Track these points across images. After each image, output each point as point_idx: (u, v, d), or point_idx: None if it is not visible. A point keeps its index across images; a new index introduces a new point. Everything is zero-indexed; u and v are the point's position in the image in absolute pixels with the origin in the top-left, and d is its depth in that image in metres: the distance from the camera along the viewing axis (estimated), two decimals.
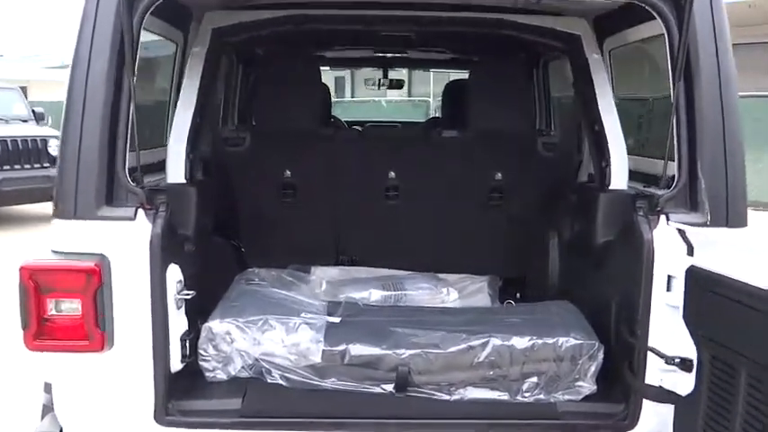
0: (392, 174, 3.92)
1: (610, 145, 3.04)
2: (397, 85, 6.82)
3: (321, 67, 4.48)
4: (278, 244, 4.00)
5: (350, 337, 2.72)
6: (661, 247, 2.51)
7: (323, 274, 3.68)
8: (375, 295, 3.47)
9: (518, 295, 3.99)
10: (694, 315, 2.34)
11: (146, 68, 2.94)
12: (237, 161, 3.89)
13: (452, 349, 2.67)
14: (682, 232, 2.44)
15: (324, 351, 2.67)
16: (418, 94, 21.70)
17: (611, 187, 3.01)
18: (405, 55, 5.17)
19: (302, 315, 2.80)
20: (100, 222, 2.48)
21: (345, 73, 20.83)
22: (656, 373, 2.53)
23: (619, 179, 3.02)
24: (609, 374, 2.71)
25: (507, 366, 2.67)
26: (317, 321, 2.79)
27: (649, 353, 2.54)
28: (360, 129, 4.68)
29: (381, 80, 6.39)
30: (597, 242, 3.02)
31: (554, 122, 4.45)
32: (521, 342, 2.68)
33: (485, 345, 2.68)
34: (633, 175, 3.05)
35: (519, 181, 3.88)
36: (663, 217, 2.56)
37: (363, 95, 20.40)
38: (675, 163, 2.63)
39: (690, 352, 2.36)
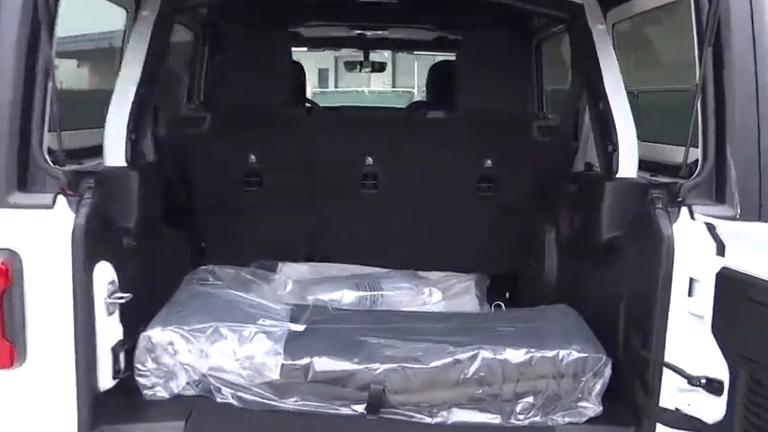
0: (370, 160, 3.50)
1: (618, 126, 2.66)
2: (379, 68, 6.50)
3: (299, 48, 4.06)
4: (242, 238, 3.59)
5: (315, 348, 2.31)
6: (683, 245, 2.13)
7: (290, 273, 3.26)
8: (348, 297, 3.07)
9: (507, 296, 3.62)
10: (727, 327, 1.95)
11: (94, 41, 2.56)
12: (196, 144, 3.46)
13: (435, 364, 2.27)
14: (711, 227, 2.05)
15: (283, 365, 2.26)
16: (402, 84, 21.33)
17: (618, 175, 2.64)
18: (386, 33, 4.75)
19: (260, 322, 2.39)
20: (9, 211, 2.07)
21: (329, 65, 20.52)
22: (674, 394, 2.15)
23: (628, 166, 2.65)
24: (616, 393, 2.33)
25: (499, 384, 2.28)
26: (277, 330, 2.37)
27: (666, 370, 2.16)
28: (334, 110, 4.23)
29: (363, 63, 6.07)
30: (602, 238, 2.64)
31: (548, 105, 4.04)
32: (515, 355, 2.28)
33: (473, 358, 2.28)
34: (641, 164, 2.68)
35: (511, 169, 3.48)
36: (685, 209, 2.17)
37: (346, 86, 20.00)
38: (699, 148, 2.25)
39: (719, 371, 1.97)
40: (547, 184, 3.35)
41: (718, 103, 2.20)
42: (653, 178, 2.67)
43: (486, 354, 2.28)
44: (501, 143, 3.46)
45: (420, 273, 3.42)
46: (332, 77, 22.49)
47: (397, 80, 21.48)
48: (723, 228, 1.99)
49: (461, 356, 2.28)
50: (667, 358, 2.17)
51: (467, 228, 3.59)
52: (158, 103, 3.11)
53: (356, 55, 6.31)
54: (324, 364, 2.26)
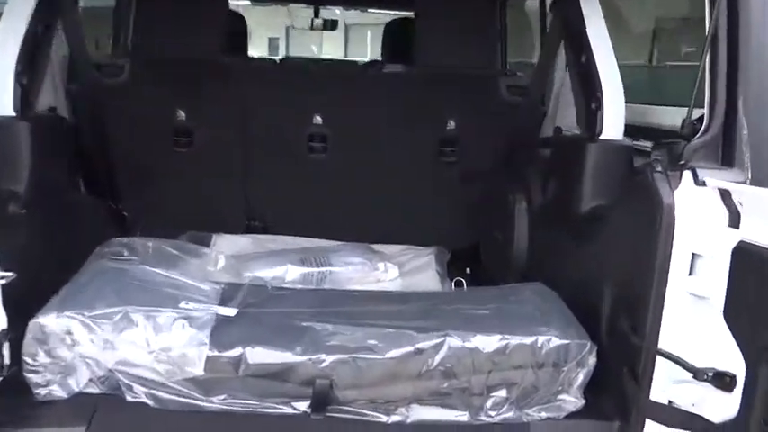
0: (318, 118, 3.08)
1: (603, 80, 2.34)
2: (330, 25, 6.07)
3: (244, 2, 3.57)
4: (170, 206, 3.14)
5: (249, 336, 1.92)
6: (686, 215, 1.81)
7: (225, 246, 2.84)
8: (291, 273, 2.67)
9: (468, 271, 3.29)
10: (745, 312, 1.64)
11: None
12: (115, 96, 2.97)
13: (393, 353, 1.91)
14: (725, 194, 1.72)
15: (209, 358, 1.86)
16: (355, 54, 20.78)
17: (602, 137, 2.32)
18: None
19: (182, 306, 1.97)
20: None
21: (280, 34, 19.86)
22: (668, 385, 1.85)
23: (613, 126, 2.34)
24: (600, 383, 2.02)
25: (468, 376, 1.94)
26: (203, 314, 1.96)
27: (660, 359, 1.86)
28: (279, 62, 3.77)
29: (313, 20, 5.64)
30: (583, 208, 2.33)
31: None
32: (488, 342, 1.94)
33: (438, 347, 1.92)
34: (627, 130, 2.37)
35: (476, 131, 3.12)
36: (688, 173, 1.85)
37: (298, 52, 19.36)
38: (706, 103, 1.92)
39: (732, 363, 1.67)
40: (516, 147, 3.01)
41: (731, 51, 1.87)
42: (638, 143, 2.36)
43: (453, 341, 1.93)
44: (465, 102, 3.09)
45: (374, 246, 3.05)
46: (282, 46, 21.80)
47: (349, 50, 20.93)
48: (740, 194, 1.67)
49: (424, 344, 1.93)
50: (662, 345, 1.87)
51: (427, 196, 3.22)
52: (74, 49, 2.63)
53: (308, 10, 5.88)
54: (259, 355, 1.87)
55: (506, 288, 2.36)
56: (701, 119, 1.95)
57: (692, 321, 1.80)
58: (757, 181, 1.84)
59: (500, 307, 2.13)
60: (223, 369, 1.87)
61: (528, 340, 1.96)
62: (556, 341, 1.96)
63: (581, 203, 2.34)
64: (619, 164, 2.31)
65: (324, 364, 1.88)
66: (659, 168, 1.88)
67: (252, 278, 2.51)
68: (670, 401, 1.87)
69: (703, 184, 1.81)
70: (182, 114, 3.04)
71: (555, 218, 2.53)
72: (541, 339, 1.96)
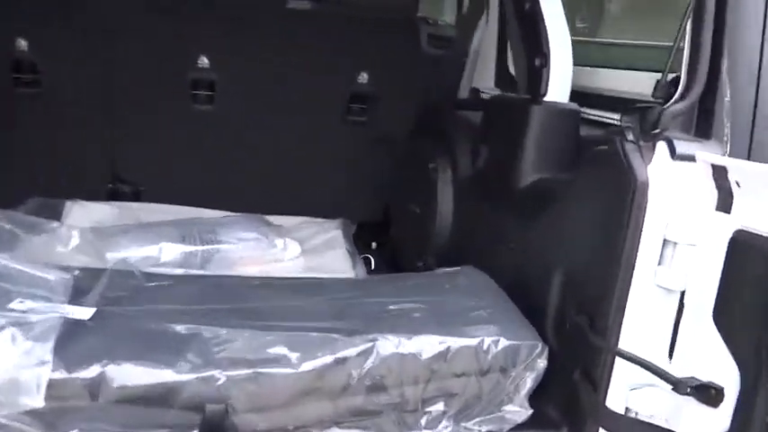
0: (204, 60, 2.51)
1: (550, 32, 2.00)
2: None
3: None
4: (11, 163, 2.49)
5: (110, 347, 1.41)
6: (659, 195, 1.52)
7: (81, 217, 2.26)
8: (168, 253, 2.14)
9: (374, 245, 2.92)
10: (742, 315, 1.36)
11: None
12: None
13: (308, 366, 1.48)
14: (718, 172, 1.42)
15: (53, 382, 1.34)
16: None
17: (548, 98, 1.99)
18: None
19: (13, 306, 1.42)
20: None
21: None
22: (630, 393, 1.58)
23: (560, 88, 2.01)
24: (548, 390, 1.72)
25: (401, 388, 1.56)
26: (45, 318, 1.42)
27: (621, 361, 1.58)
28: None
29: None
30: (523, 181, 2.00)
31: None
32: (426, 346, 1.56)
33: (366, 354, 1.52)
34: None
35: (392, 86, 2.70)
36: (662, 145, 1.55)
37: None
38: (684, 62, 1.61)
39: (719, 373, 1.39)
40: (439, 108, 2.62)
41: (719, 5, 1.57)
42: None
43: (384, 346, 1.53)
44: (380, 52, 2.64)
45: (270, 218, 2.58)
46: None
47: None
48: (740, 172, 1.37)
49: (348, 352, 1.51)
50: (625, 346, 1.58)
51: (331, 160, 2.78)
52: None
53: None
54: (127, 374, 1.38)
55: (436, 275, 1.98)
56: (674, 81, 1.65)
57: (664, 320, 1.52)
58: (735, 152, 1.59)
59: (434, 300, 1.76)
60: (75, 396, 1.36)
61: (472, 342, 1.60)
62: (504, 342, 1.62)
63: (521, 176, 2.01)
64: (567, 132, 2.00)
65: (217, 383, 1.42)
66: (631, 137, 1.57)
67: (116, 261, 1.96)
68: (631, 411, 1.61)
69: (689, 158, 1.52)
70: (23, 44, 2.36)
71: (487, 191, 2.18)
72: (488, 341, 1.61)
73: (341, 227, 2.59)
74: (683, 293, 1.54)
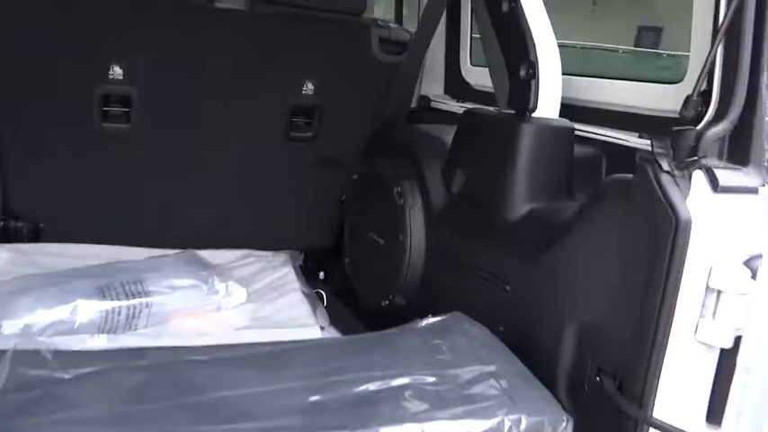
0: (117, 70, 2.06)
1: (536, 38, 1.74)
2: None
3: None
4: None
5: None
6: (703, 235, 1.29)
7: None
8: (85, 313, 1.72)
9: (321, 275, 2.59)
10: None
11: None
12: None
13: None
14: None
15: None
16: None
17: (536, 114, 1.74)
18: None
19: None
20: None
21: None
22: None
23: (549, 102, 1.76)
24: None
25: None
26: None
27: None
28: None
29: None
30: (514, 212, 1.73)
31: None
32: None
33: None
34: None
35: (340, 97, 2.35)
36: (699, 174, 1.32)
37: None
38: (717, 76, 1.38)
39: None
40: (398, 122, 2.32)
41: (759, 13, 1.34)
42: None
43: None
44: (326, 59, 2.29)
45: (203, 253, 2.19)
46: None
47: None
48: None
49: None
50: (658, 414, 1.34)
51: (271, 184, 2.41)
52: None
53: None
54: None
55: (424, 331, 1.65)
56: (703, 96, 1.42)
57: (703, 382, 1.30)
58: None
59: (433, 370, 1.44)
60: None
61: (490, 424, 1.31)
62: (525, 420, 1.34)
63: (511, 206, 1.74)
64: (561, 153, 1.75)
65: None
66: (666, 166, 1.32)
67: (12, 329, 1.51)
68: None
69: (733, 190, 1.30)
70: None
71: (468, 221, 1.89)
72: (508, 422, 1.32)
73: (289, 262, 2.23)
74: (722, 350, 1.33)
